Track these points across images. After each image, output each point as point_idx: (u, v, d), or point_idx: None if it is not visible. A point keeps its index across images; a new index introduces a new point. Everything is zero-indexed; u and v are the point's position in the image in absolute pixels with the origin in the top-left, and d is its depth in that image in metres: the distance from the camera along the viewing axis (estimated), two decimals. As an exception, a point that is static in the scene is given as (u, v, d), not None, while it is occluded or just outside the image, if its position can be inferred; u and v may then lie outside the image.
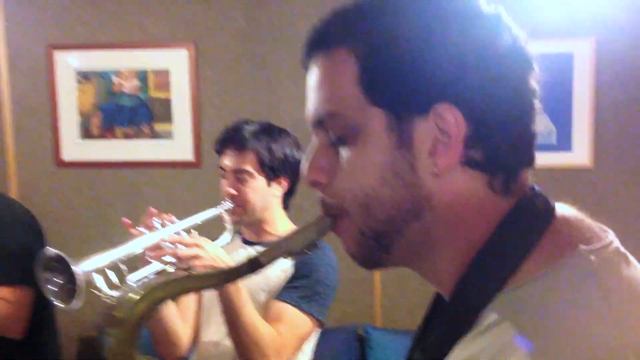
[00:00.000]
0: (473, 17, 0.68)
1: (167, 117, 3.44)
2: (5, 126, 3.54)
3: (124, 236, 3.40)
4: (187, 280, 0.75)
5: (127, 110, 3.46)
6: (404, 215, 0.68)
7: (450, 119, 0.65)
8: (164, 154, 3.47)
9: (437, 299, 0.80)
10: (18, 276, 2.18)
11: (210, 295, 1.83)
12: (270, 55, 3.35)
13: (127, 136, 3.48)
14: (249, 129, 1.86)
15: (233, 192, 1.86)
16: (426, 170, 0.67)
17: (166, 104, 3.43)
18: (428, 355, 0.71)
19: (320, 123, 0.72)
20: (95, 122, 3.49)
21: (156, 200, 3.49)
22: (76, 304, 1.45)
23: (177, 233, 1.70)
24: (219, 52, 3.38)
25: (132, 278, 1.61)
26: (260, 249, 1.75)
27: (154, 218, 1.69)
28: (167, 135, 3.45)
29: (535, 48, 0.71)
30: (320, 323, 1.83)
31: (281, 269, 1.83)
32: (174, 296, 0.74)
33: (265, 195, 1.87)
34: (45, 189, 3.57)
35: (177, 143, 3.45)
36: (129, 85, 3.44)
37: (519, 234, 0.67)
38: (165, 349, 1.86)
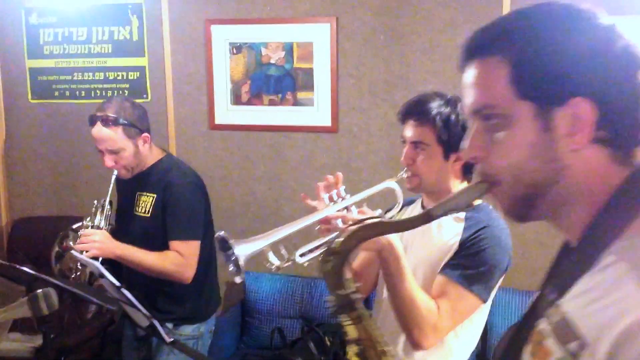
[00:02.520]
0: (596, 29, 0.91)
1: (309, 86, 3.76)
2: (166, 93, 4.00)
3: (266, 192, 3.79)
4: (384, 225, 1.03)
5: (274, 80, 3.82)
6: (545, 182, 0.92)
7: (583, 108, 0.88)
8: (305, 119, 3.81)
9: (565, 246, 1.03)
10: (189, 232, 2.58)
11: None
12: (405, 30, 3.57)
13: (272, 103, 3.85)
14: (431, 102, 1.89)
15: (409, 161, 1.91)
16: (564, 147, 0.90)
17: (309, 74, 3.75)
18: (557, 287, 0.93)
19: (477, 112, 0.97)
20: (245, 89, 3.88)
21: (296, 162, 3.85)
22: (241, 278, 1.69)
23: (347, 208, 1.80)
24: (358, 26, 3.65)
25: (300, 251, 1.78)
26: (438, 220, 1.92)
27: (324, 193, 1.81)
28: (309, 102, 3.78)
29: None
30: (483, 301, 1.83)
31: (448, 243, 1.87)
32: (374, 236, 1.03)
33: (441, 167, 1.89)
34: (201, 150, 4.00)
35: (317, 110, 3.77)
36: (276, 57, 3.79)
37: (633, 196, 0.90)
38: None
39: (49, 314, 1.82)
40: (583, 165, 0.91)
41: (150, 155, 2.68)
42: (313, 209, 1.84)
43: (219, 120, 3.96)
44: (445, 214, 0.98)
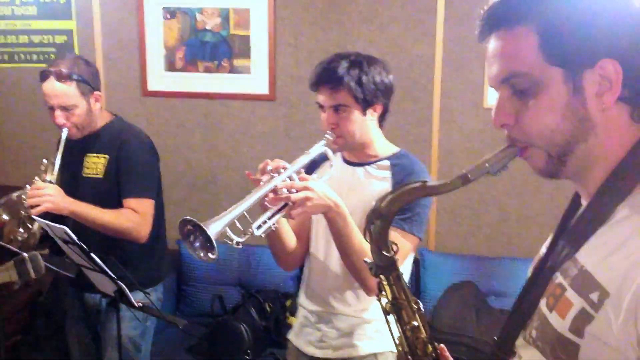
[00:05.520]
0: None
1: (245, 54, 3.74)
2: (95, 57, 3.86)
3: (202, 161, 3.76)
4: (425, 189, 1.07)
5: (209, 46, 3.77)
6: (576, 140, 0.98)
7: (610, 69, 0.94)
8: (241, 87, 3.79)
9: (573, 203, 1.10)
10: (144, 190, 2.56)
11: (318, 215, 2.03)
12: (343, -2, 3.61)
13: (208, 70, 3.80)
14: (339, 67, 1.99)
15: (333, 125, 2.02)
16: (593, 108, 0.96)
17: (245, 41, 3.73)
18: (571, 242, 1.00)
19: (506, 80, 1.01)
20: (179, 56, 3.81)
21: (233, 130, 3.84)
22: (214, 256, 1.70)
23: (290, 177, 1.88)
24: (296, -6, 3.65)
25: (255, 224, 1.83)
26: (362, 169, 2.10)
27: (268, 167, 1.88)
28: (245, 70, 3.76)
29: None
30: (419, 240, 2.03)
31: (378, 190, 1.99)
32: (415, 199, 1.07)
33: (362, 123, 2.03)
34: (133, 117, 3.90)
35: (254, 78, 3.76)
36: (212, 23, 3.74)
37: None
38: (281, 260, 2.19)
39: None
40: (609, 124, 0.97)
41: (100, 116, 2.63)
42: (256, 182, 1.89)
43: (152, 86, 3.88)
44: (480, 175, 1.03)
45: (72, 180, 2.59)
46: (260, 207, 1.87)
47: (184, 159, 3.94)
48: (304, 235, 2.18)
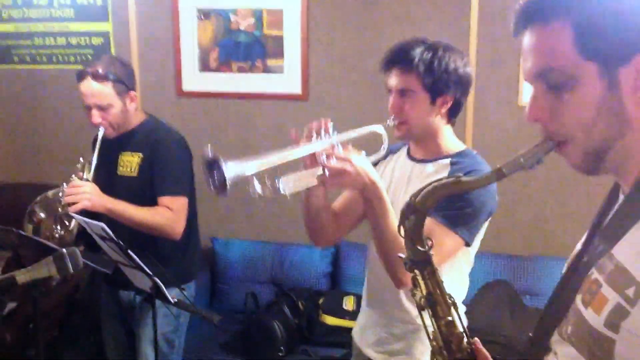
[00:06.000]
0: None
1: (279, 54, 3.76)
2: (131, 58, 3.92)
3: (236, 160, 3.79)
4: (461, 183, 1.06)
5: (243, 47, 3.81)
6: (614, 136, 0.98)
7: None
8: (274, 87, 3.82)
9: (609, 199, 1.10)
10: (177, 187, 2.59)
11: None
12: (376, -2, 3.61)
13: (241, 70, 3.83)
14: (413, 49, 1.88)
15: (396, 109, 1.91)
16: (629, 103, 0.96)
17: (278, 41, 3.75)
18: (607, 238, 1.00)
19: (540, 75, 1.01)
20: (214, 56, 3.85)
21: (266, 130, 3.86)
22: (226, 193, 1.61)
23: (334, 145, 1.77)
24: (329, -7, 3.66)
25: (282, 180, 1.73)
26: (422, 166, 1.96)
27: (314, 130, 1.78)
28: (278, 70, 3.79)
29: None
30: (467, 244, 1.86)
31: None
32: (450, 193, 1.08)
33: (429, 113, 1.90)
34: (168, 117, 3.95)
35: (287, 78, 3.78)
36: (245, 23, 3.77)
37: None
38: (311, 231, 2.05)
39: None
40: None
41: (135, 115, 2.68)
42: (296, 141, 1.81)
43: (186, 87, 3.93)
44: (514, 170, 1.02)
45: (107, 179, 2.64)
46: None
47: (218, 158, 3.97)
48: (346, 216, 2.08)
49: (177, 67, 3.91)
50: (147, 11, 3.90)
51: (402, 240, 1.71)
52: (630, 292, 0.91)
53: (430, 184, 1.09)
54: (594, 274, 0.99)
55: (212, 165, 1.64)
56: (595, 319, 0.96)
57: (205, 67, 3.88)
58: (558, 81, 0.99)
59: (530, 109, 1.04)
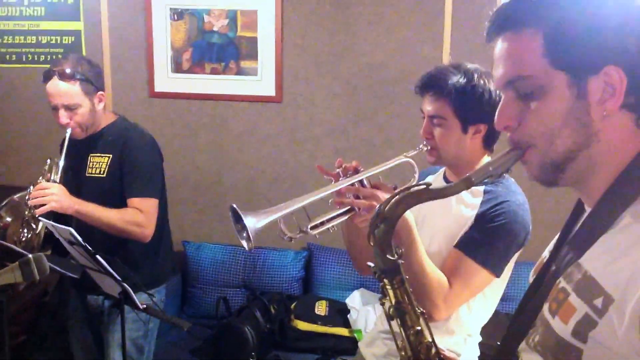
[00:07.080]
0: (622, 2, 0.95)
1: (253, 55, 3.74)
2: (103, 58, 3.87)
3: (208, 162, 3.75)
4: (429, 192, 1.06)
5: (216, 48, 3.77)
6: (577, 147, 0.97)
7: (615, 76, 0.93)
8: (248, 89, 3.79)
9: (576, 210, 1.09)
10: (148, 189, 2.56)
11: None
12: (351, 0, 3.59)
13: (215, 72, 3.80)
14: (447, 76, 1.83)
15: (427, 135, 1.87)
16: (596, 114, 0.95)
17: (252, 42, 3.72)
18: (575, 248, 0.99)
19: (510, 83, 1.00)
20: (186, 57, 3.81)
21: (239, 131, 3.84)
22: (248, 246, 1.65)
23: (361, 182, 1.78)
24: (303, -4, 3.64)
25: (312, 223, 1.76)
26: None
27: (339, 169, 1.79)
28: (252, 72, 3.76)
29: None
30: (496, 276, 1.81)
31: (465, 216, 1.83)
32: (419, 202, 1.06)
33: (460, 140, 1.85)
34: (139, 118, 3.90)
35: (260, 79, 3.76)
36: (219, 24, 3.74)
37: None
38: (354, 261, 2.03)
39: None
40: (612, 131, 0.96)
41: (104, 116, 2.64)
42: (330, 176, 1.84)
43: (158, 88, 3.88)
44: (483, 179, 1.02)
45: (76, 180, 2.59)
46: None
47: (190, 160, 3.94)
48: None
49: (150, 67, 3.86)
50: (119, 10, 3.85)
51: (431, 273, 1.73)
52: (599, 302, 0.90)
53: (399, 191, 1.07)
54: (562, 282, 0.99)
55: (238, 220, 1.67)
56: (563, 328, 0.96)
57: (178, 68, 3.84)
58: (527, 90, 0.98)
59: (499, 116, 1.03)
